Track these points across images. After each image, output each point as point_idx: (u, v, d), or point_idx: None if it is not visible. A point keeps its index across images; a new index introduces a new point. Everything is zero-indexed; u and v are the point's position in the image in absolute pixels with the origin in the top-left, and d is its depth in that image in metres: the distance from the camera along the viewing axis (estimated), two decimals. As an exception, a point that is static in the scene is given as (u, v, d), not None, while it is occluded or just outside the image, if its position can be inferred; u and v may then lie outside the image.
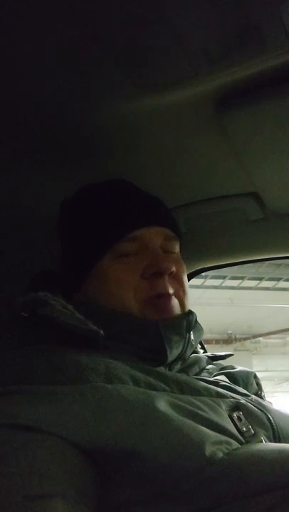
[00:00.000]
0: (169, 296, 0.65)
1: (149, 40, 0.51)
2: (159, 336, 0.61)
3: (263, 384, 0.77)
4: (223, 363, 0.80)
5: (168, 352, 0.61)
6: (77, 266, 0.68)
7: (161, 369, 0.62)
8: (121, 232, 0.66)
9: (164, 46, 0.51)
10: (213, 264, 1.16)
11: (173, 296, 0.66)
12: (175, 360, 0.64)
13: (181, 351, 0.64)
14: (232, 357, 0.84)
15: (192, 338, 0.65)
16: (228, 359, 0.82)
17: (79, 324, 0.57)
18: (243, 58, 0.53)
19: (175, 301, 0.66)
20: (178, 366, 0.66)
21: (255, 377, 0.76)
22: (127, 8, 0.46)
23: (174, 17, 0.47)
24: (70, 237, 0.71)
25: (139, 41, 0.51)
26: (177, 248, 0.72)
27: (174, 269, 0.66)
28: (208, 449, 0.46)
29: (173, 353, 0.62)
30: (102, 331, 0.57)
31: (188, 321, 0.65)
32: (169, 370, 0.64)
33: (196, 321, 0.69)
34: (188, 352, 0.66)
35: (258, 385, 0.75)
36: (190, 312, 0.68)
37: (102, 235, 0.66)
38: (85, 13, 0.47)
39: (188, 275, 1.17)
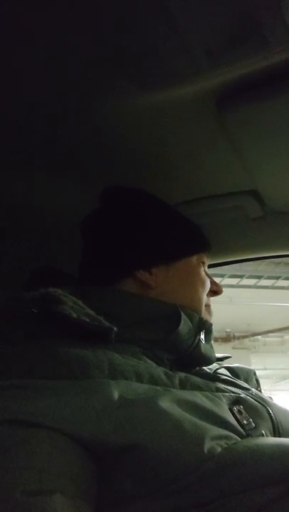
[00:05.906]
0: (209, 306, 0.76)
1: (149, 37, 0.50)
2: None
3: (262, 382, 0.78)
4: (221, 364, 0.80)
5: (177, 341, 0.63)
6: (161, 254, 0.71)
7: (164, 365, 0.62)
8: (206, 245, 0.77)
9: (164, 43, 0.51)
10: (212, 262, 1.16)
11: None
12: (179, 358, 0.64)
13: (189, 347, 0.64)
14: (230, 355, 0.84)
15: (202, 340, 0.67)
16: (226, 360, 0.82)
17: (91, 321, 0.57)
18: (244, 55, 0.53)
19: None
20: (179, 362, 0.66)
21: (254, 374, 0.76)
22: (128, 5, 0.46)
23: (174, 13, 0.47)
24: (148, 226, 0.72)
25: (139, 38, 0.51)
26: None
27: None
28: (208, 444, 0.46)
29: (182, 346, 0.64)
30: (115, 328, 0.57)
31: (210, 328, 0.70)
32: (170, 367, 0.64)
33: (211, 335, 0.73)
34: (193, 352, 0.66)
35: (257, 381, 0.75)
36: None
37: (198, 234, 0.77)
38: (84, 10, 0.47)
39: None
